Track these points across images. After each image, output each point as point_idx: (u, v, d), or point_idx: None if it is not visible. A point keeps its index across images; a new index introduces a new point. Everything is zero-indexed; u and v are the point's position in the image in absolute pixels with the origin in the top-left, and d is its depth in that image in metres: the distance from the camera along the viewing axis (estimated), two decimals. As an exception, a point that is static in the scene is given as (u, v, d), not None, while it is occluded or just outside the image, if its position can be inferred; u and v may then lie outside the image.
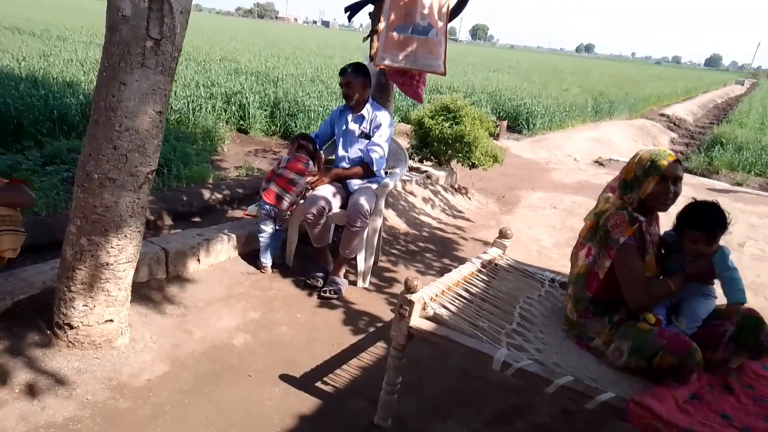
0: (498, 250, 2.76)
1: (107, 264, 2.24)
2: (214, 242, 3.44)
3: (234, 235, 3.59)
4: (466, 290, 2.35)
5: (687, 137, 15.72)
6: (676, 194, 2.10)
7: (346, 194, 3.49)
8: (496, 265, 2.66)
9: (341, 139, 3.61)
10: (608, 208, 2.11)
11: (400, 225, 4.64)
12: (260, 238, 3.48)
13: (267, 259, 3.51)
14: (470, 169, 6.12)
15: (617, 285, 2.04)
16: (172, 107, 7.66)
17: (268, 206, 3.40)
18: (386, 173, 3.67)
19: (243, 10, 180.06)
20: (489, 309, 2.24)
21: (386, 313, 3.21)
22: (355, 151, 3.55)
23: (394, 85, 3.81)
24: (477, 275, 2.48)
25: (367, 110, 3.50)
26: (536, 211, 5.85)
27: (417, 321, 2.05)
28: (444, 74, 3.52)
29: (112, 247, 2.21)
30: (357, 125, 3.52)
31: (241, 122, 8.40)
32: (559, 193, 6.78)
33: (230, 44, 19.21)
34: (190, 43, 15.43)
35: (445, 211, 5.28)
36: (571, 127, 13.00)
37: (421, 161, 6.24)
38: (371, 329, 3.03)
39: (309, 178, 3.40)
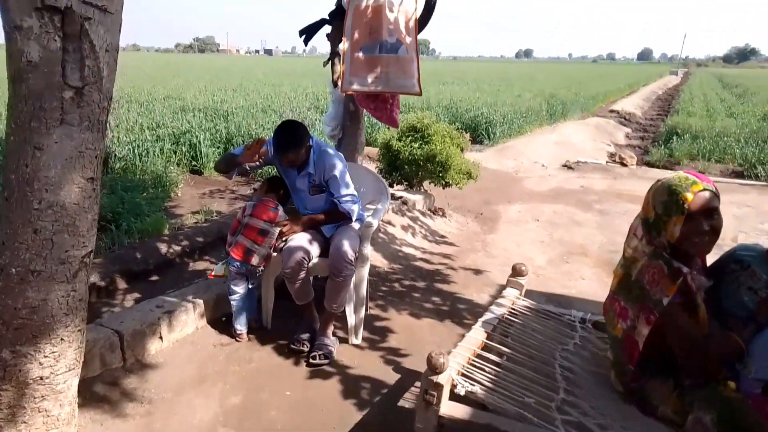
0: (514, 292, 2.39)
1: (41, 378, 1.74)
2: (177, 313, 2.94)
3: (200, 301, 3.10)
4: (492, 350, 1.95)
5: (640, 131, 15.94)
6: (716, 231, 1.66)
7: (324, 239, 3.06)
8: (516, 311, 2.27)
9: (293, 195, 3.19)
10: (637, 257, 1.71)
11: (382, 261, 4.23)
12: (232, 302, 3.00)
13: (242, 325, 3.03)
14: (443, 188, 5.78)
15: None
16: (115, 155, 7.09)
17: (237, 263, 2.93)
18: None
19: (182, 45, 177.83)
20: (525, 374, 1.84)
21: (388, 375, 2.78)
22: (312, 206, 3.14)
23: (365, 110, 3.42)
24: (499, 328, 2.09)
25: (312, 164, 3.02)
26: (519, 225, 5.54)
27: (448, 407, 1.63)
28: (420, 94, 3.16)
29: (45, 356, 1.72)
30: (306, 183, 3.08)
31: (194, 163, 7.87)
32: (536, 203, 6.51)
33: (173, 81, 18.53)
34: (130, 84, 14.74)
35: (427, 238, 4.89)
36: (530, 132, 12.91)
37: (391, 185, 5.86)
38: (377, 398, 2.58)
39: (281, 228, 2.95)
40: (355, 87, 3.09)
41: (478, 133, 11.62)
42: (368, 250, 3.02)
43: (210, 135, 8.23)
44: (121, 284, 4.64)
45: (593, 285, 3.99)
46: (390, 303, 3.57)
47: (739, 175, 9.59)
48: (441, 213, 5.62)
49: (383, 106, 3.21)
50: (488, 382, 1.73)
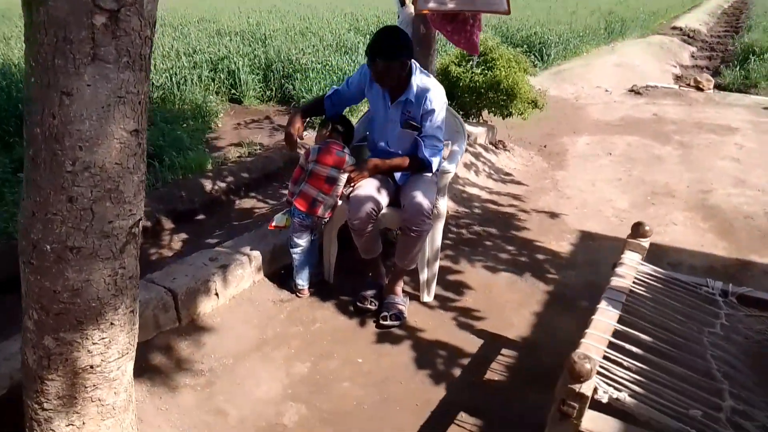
0: (635, 256, 1.99)
1: (91, 367, 1.48)
2: (232, 267, 2.66)
3: (256, 253, 2.81)
4: (626, 336, 1.59)
5: (706, 50, 14.61)
6: None
7: (394, 187, 2.68)
8: (642, 281, 1.88)
9: (377, 124, 2.76)
10: None
11: (447, 204, 3.85)
12: (294, 255, 2.70)
13: (304, 280, 2.74)
14: (503, 118, 5.27)
15: None
16: (153, 83, 6.74)
17: (302, 215, 2.60)
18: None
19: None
20: (675, 371, 1.49)
21: (467, 341, 2.47)
22: (398, 143, 2.70)
23: (437, 33, 2.92)
24: (629, 306, 1.72)
25: (412, 90, 2.57)
26: (590, 161, 5.03)
27: (590, 420, 1.30)
28: (508, 13, 2.64)
29: (94, 344, 1.45)
30: (399, 112, 2.63)
31: (233, 91, 7.47)
32: (606, 134, 5.93)
33: (206, 2, 17.77)
34: (162, 6, 14.13)
35: (492, 177, 4.46)
36: (586, 53, 11.92)
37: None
38: (458, 371, 2.29)
39: (349, 174, 2.58)
40: (432, 5, 2.59)
41: (531, 55, 10.76)
42: (445, 201, 2.64)
43: (248, 61, 7.75)
44: (167, 224, 4.43)
45: (687, 232, 3.55)
46: (461, 253, 3.22)
47: (824, 98, 8.66)
48: (503, 147, 5.14)
49: (462, 27, 2.70)
50: (633, 383, 1.39)
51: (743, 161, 4.85)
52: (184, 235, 4.29)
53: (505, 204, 3.97)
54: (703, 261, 3.15)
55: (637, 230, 2.01)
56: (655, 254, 3.24)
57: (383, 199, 2.55)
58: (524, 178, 4.53)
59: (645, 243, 2.02)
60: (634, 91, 8.05)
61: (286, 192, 5.15)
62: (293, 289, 2.76)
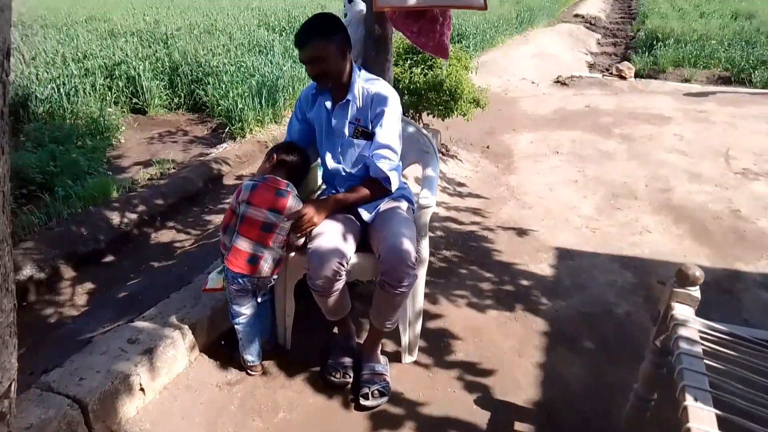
0: (688, 311, 1.60)
1: None
2: (160, 350, 2.04)
3: (186, 324, 2.19)
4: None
5: (609, 36, 15.12)
6: None
7: (359, 226, 2.17)
8: (718, 351, 1.49)
9: (325, 144, 2.23)
10: None
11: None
12: (237, 327, 2.11)
13: (254, 355, 2.16)
14: (443, 119, 4.89)
15: None
16: (36, 96, 5.77)
17: (239, 278, 2.02)
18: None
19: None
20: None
21: (473, 413, 2.01)
22: (355, 160, 2.18)
23: (397, 35, 2.43)
24: (715, 382, 1.33)
25: (356, 90, 2.10)
26: (539, 161, 4.75)
27: None
28: (485, 8, 2.18)
29: None
30: (345, 120, 2.13)
31: (135, 100, 6.60)
32: (546, 130, 5.71)
33: (93, -1, 16.15)
34: (43, 4, 12.60)
35: (447, 190, 4.05)
36: (502, 44, 11.90)
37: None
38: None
39: (294, 220, 2.02)
40: (394, 2, 2.08)
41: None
42: (426, 243, 2.15)
43: (150, 65, 6.88)
44: (67, 273, 3.69)
45: (664, 240, 3.30)
46: (435, 287, 2.76)
47: (726, 80, 9.09)
48: (447, 152, 4.75)
49: (430, 28, 2.22)
50: None
51: (689, 153, 4.76)
52: (89, 285, 3.56)
53: (466, 221, 3.56)
54: (693, 274, 2.89)
55: (685, 277, 1.63)
56: (641, 270, 2.97)
57: (350, 246, 2.02)
58: (478, 188, 4.16)
59: (695, 292, 1.65)
60: (560, 82, 7.98)
61: (209, 219, 4.51)
62: (243, 365, 2.18)
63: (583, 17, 17.67)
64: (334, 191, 2.24)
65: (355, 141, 2.12)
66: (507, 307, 2.62)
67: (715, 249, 3.16)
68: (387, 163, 2.07)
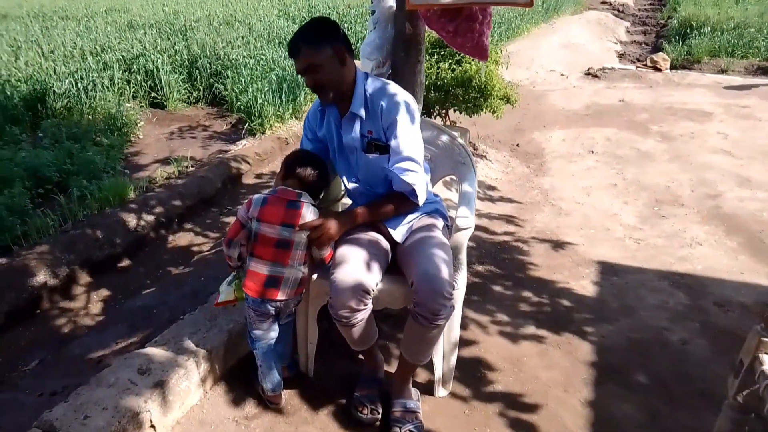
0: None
1: None
2: (172, 382, 1.87)
3: (203, 351, 2.02)
4: None
5: (638, 24, 14.60)
6: None
7: (385, 248, 1.96)
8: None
9: (340, 162, 2.02)
10: None
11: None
12: (256, 353, 1.94)
13: (274, 384, 1.97)
14: (469, 116, 4.65)
15: None
16: (54, 91, 5.66)
17: (258, 303, 1.84)
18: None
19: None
20: None
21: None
22: (372, 177, 1.97)
23: (430, 34, 2.20)
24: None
25: (360, 99, 1.87)
26: (573, 162, 4.49)
27: None
28: (531, 5, 1.95)
29: None
30: (356, 134, 1.91)
31: (153, 94, 6.47)
32: (579, 127, 5.43)
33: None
34: (62, -5, 12.56)
35: (477, 193, 3.81)
36: (527, 33, 11.54)
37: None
38: None
39: (309, 234, 1.82)
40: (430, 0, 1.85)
41: (476, 37, 10.20)
42: (464, 268, 1.94)
43: (169, 58, 6.74)
44: (83, 278, 3.57)
45: (716, 254, 3.04)
46: (468, 306, 2.54)
47: (765, 71, 8.64)
48: (476, 152, 4.52)
49: (469, 27, 1.99)
50: None
51: (736, 154, 4.45)
52: (105, 292, 3.43)
53: (498, 231, 3.33)
54: (753, 296, 2.64)
55: (775, 324, 1.40)
56: (695, 290, 2.72)
57: (375, 274, 1.81)
58: (509, 192, 3.92)
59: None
60: (591, 74, 7.65)
61: (227, 221, 4.35)
62: (264, 395, 2.00)
63: (610, 4, 17.12)
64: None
65: (370, 156, 1.91)
66: (548, 331, 2.40)
67: (775, 266, 2.90)
68: (411, 175, 1.85)
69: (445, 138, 2.24)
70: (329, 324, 2.00)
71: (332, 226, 1.81)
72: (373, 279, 1.79)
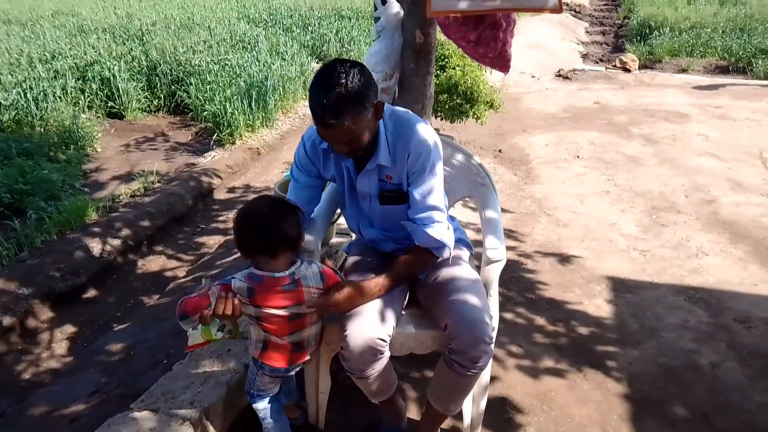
0: None
1: None
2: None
3: (195, 413, 1.75)
4: None
5: (597, 24, 14.81)
6: None
7: (405, 287, 1.73)
8: None
9: (350, 209, 1.78)
10: None
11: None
12: (260, 415, 1.68)
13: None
14: (450, 122, 4.50)
15: None
16: (0, 103, 5.20)
17: (288, 371, 1.61)
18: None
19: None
20: None
21: None
22: (387, 223, 1.74)
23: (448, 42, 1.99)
24: None
25: (384, 150, 1.60)
26: (561, 168, 4.38)
27: None
28: (560, 11, 1.76)
29: None
30: (373, 183, 1.67)
31: (110, 104, 6.07)
32: (559, 130, 5.34)
33: (58, -10, 15.28)
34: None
35: (468, 204, 3.64)
36: (493, 33, 11.51)
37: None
38: None
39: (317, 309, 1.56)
40: (454, 4, 1.63)
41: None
42: (496, 305, 1.74)
43: (126, 64, 6.33)
44: (44, 314, 3.25)
45: (725, 265, 2.94)
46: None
47: (724, 70, 8.84)
48: (463, 159, 4.34)
49: (491, 36, 1.79)
50: None
51: (721, 156, 4.43)
52: (70, 329, 3.11)
53: (499, 244, 3.15)
54: (771, 310, 2.55)
55: None
56: (713, 305, 2.60)
57: (390, 320, 1.58)
58: (502, 202, 3.75)
59: None
60: (562, 76, 7.62)
61: (201, 241, 4.03)
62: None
63: (567, 5, 17.33)
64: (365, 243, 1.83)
65: (385, 207, 1.69)
66: (572, 361, 2.23)
67: (787, 277, 2.82)
68: (438, 228, 1.61)
69: (460, 157, 2.03)
70: (338, 366, 1.77)
71: (344, 302, 1.54)
72: (389, 327, 1.58)
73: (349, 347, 1.51)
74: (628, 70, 7.63)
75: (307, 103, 1.57)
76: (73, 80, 5.90)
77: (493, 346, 1.55)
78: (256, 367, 1.60)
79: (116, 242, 3.71)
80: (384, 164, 1.61)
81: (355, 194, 1.73)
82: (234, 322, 1.57)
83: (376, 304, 1.59)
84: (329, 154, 1.69)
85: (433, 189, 1.63)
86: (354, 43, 8.13)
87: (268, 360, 1.55)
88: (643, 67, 9.29)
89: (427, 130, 1.63)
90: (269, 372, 1.58)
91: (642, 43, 10.33)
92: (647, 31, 10.98)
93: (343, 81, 1.41)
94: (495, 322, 1.73)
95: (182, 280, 3.43)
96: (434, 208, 1.62)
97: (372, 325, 1.53)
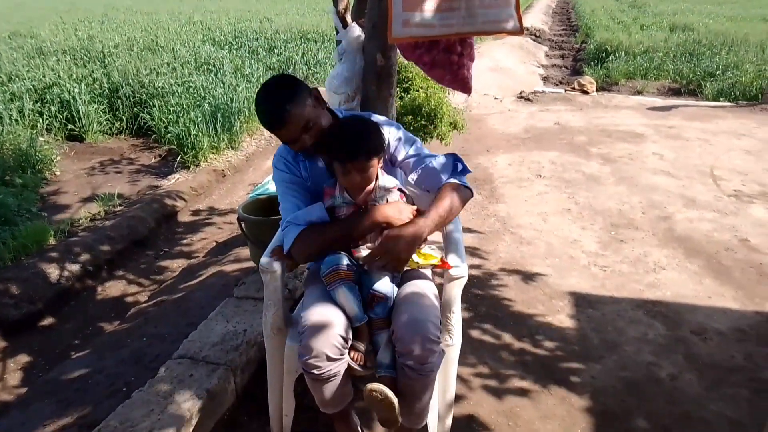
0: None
1: None
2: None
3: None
4: None
5: (556, 48, 15.29)
6: None
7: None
8: None
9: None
10: None
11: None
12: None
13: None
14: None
15: None
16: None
17: None
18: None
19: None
20: None
21: None
22: None
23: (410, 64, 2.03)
24: None
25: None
26: (524, 187, 4.47)
27: None
28: (521, 33, 1.82)
29: None
30: None
31: (70, 126, 5.95)
32: (521, 150, 5.46)
33: (18, 13, 15.01)
34: (-43, 18, 11.53)
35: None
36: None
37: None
38: None
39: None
40: (416, 31, 1.67)
41: (407, 62, 10.25)
42: (459, 317, 1.76)
43: (87, 86, 6.24)
44: (-7, 344, 3.09)
45: (681, 279, 3.04)
46: (448, 356, 2.36)
47: (676, 92, 9.20)
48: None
49: (446, 59, 1.83)
50: None
51: (675, 175, 4.59)
52: (25, 359, 3.00)
53: (465, 263, 3.19)
54: (725, 322, 2.63)
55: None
56: (670, 318, 2.68)
57: (349, 329, 1.59)
58: (467, 221, 3.81)
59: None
60: (524, 98, 7.81)
61: (164, 265, 3.95)
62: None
63: (528, 29, 17.87)
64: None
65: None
66: (536, 377, 2.26)
67: (739, 289, 2.92)
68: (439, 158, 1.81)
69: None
70: (304, 388, 1.75)
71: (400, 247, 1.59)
72: (349, 332, 1.59)
73: (308, 341, 1.51)
74: (586, 92, 7.87)
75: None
76: (31, 102, 5.78)
77: (441, 346, 1.57)
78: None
79: (75, 267, 3.61)
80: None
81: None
82: None
83: (330, 302, 1.62)
84: (297, 162, 1.77)
85: (422, 147, 1.84)
86: (320, 65, 8.20)
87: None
88: (600, 89, 9.60)
89: (382, 121, 1.80)
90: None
91: (599, 67, 10.71)
92: (604, 55, 11.41)
93: (274, 88, 1.65)
94: (458, 338, 1.75)
95: (144, 305, 3.36)
96: (433, 154, 1.81)
97: (334, 319, 1.56)
